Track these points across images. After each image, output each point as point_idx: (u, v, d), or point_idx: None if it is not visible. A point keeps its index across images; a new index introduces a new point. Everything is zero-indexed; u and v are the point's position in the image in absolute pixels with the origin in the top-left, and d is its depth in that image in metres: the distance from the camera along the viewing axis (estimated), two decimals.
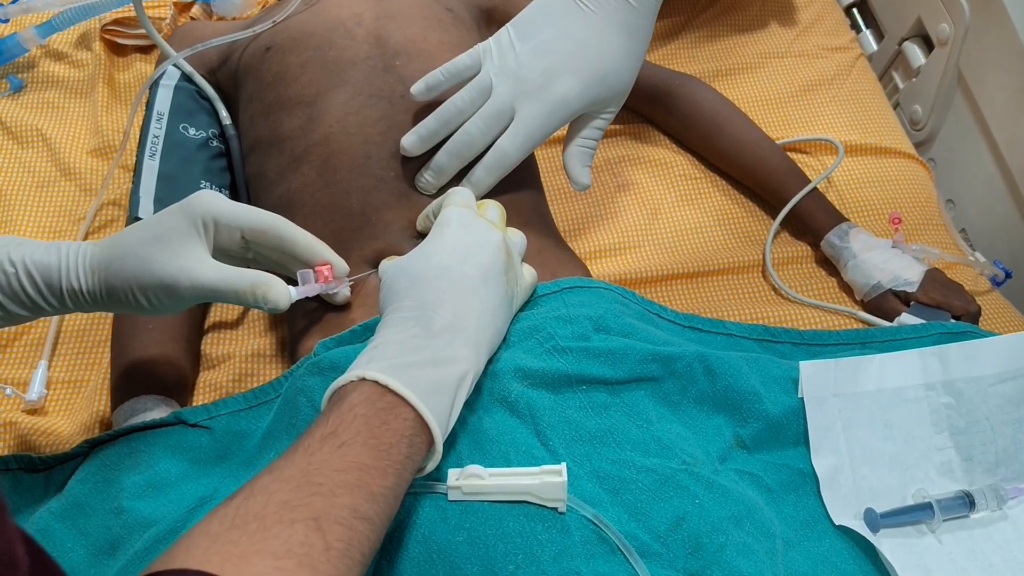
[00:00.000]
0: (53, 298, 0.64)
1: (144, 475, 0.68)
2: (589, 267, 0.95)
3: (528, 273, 0.71)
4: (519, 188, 0.83)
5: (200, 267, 0.63)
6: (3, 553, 0.33)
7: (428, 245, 0.66)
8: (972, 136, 1.20)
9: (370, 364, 0.55)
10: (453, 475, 0.58)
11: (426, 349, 0.57)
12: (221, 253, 0.67)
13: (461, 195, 0.71)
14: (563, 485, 0.57)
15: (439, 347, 0.58)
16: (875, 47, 1.40)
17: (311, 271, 0.70)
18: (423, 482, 0.58)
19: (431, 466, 0.56)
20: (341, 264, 0.73)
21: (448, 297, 0.61)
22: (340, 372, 0.66)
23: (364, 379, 0.54)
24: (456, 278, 0.62)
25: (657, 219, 1.06)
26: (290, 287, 0.66)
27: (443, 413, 0.55)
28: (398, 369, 0.55)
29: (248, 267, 0.66)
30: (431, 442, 0.55)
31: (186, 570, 0.42)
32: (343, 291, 0.76)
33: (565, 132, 1.02)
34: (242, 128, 0.93)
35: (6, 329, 0.93)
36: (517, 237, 0.72)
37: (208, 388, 0.89)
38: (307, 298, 0.70)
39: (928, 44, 1.28)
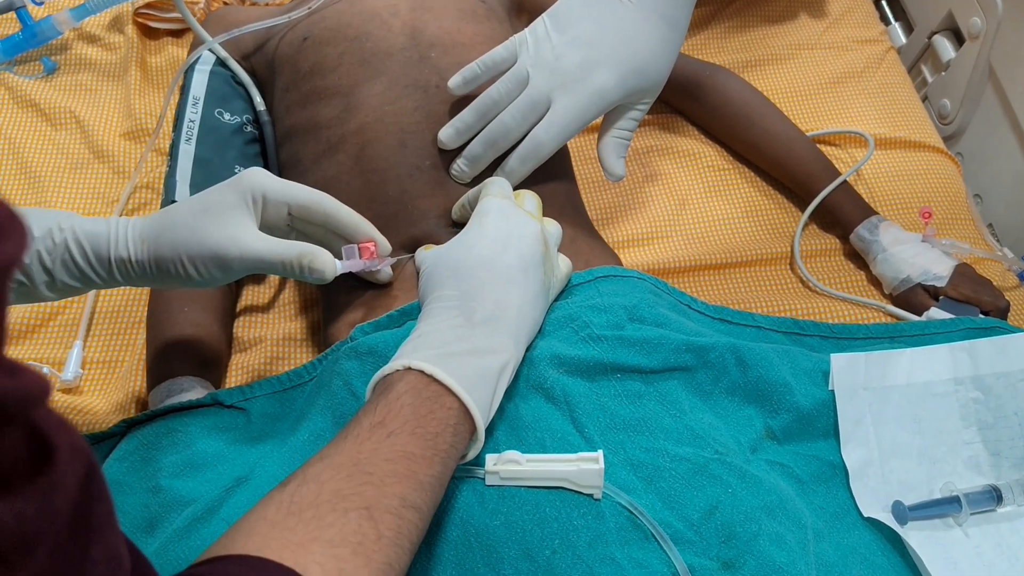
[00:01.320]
0: (102, 268, 0.65)
1: (182, 454, 0.69)
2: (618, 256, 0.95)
3: (563, 264, 0.72)
4: (552, 178, 0.83)
5: (248, 238, 0.64)
6: (113, 554, 0.34)
7: (468, 234, 0.67)
8: (1001, 131, 1.20)
9: (415, 353, 0.56)
10: (491, 460, 0.59)
11: (468, 339, 0.58)
12: (266, 229, 0.68)
13: (499, 185, 0.72)
14: (600, 472, 0.58)
15: (481, 337, 0.59)
16: (904, 40, 1.39)
17: (355, 246, 0.70)
18: (462, 467, 0.59)
19: (473, 453, 0.57)
20: (384, 243, 0.74)
21: (489, 287, 0.61)
22: (378, 357, 0.67)
23: (410, 368, 0.55)
24: (497, 268, 0.63)
25: (685, 210, 1.06)
26: (336, 261, 0.67)
27: (485, 402, 0.56)
28: (442, 359, 0.56)
29: None
30: (473, 430, 0.56)
31: (246, 556, 0.43)
32: (386, 270, 0.76)
33: (598, 122, 1.02)
34: (277, 116, 0.94)
35: (43, 307, 0.94)
36: (553, 227, 0.73)
37: (240, 371, 0.90)
38: (349, 274, 0.71)
39: (958, 38, 1.27)
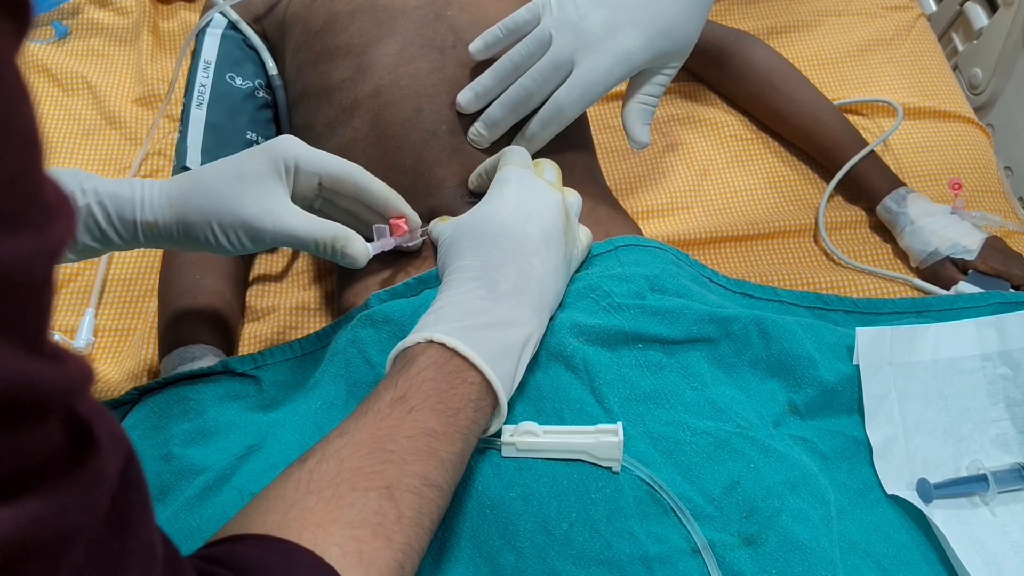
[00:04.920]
0: (125, 231, 0.64)
1: (193, 422, 0.68)
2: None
3: (584, 234, 0.70)
4: (571, 147, 0.81)
5: (284, 211, 0.63)
6: (148, 543, 0.33)
7: (488, 204, 0.65)
8: None
9: (437, 326, 0.55)
10: (507, 431, 0.58)
11: (491, 311, 0.56)
12: (294, 199, 0.67)
13: (518, 154, 0.70)
14: (619, 445, 0.56)
15: (504, 310, 0.57)
16: (934, 7, 1.35)
17: (386, 226, 0.69)
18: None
19: (494, 428, 0.56)
20: (414, 216, 0.72)
21: (511, 257, 0.60)
22: (394, 325, 0.66)
23: (432, 341, 0.54)
24: (519, 239, 0.61)
25: (706, 180, 1.04)
26: (367, 244, 0.66)
27: (508, 376, 0.55)
28: (465, 332, 0.54)
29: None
30: (495, 405, 0.55)
31: (265, 536, 0.42)
32: (416, 242, 0.75)
33: (613, 89, 0.99)
34: (288, 78, 0.92)
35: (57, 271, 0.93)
36: (573, 198, 0.71)
37: (253, 340, 0.89)
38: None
39: (991, 5, 1.23)
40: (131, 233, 0.64)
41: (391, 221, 0.70)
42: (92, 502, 0.29)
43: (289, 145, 0.65)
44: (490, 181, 0.69)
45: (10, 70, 0.24)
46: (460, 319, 0.55)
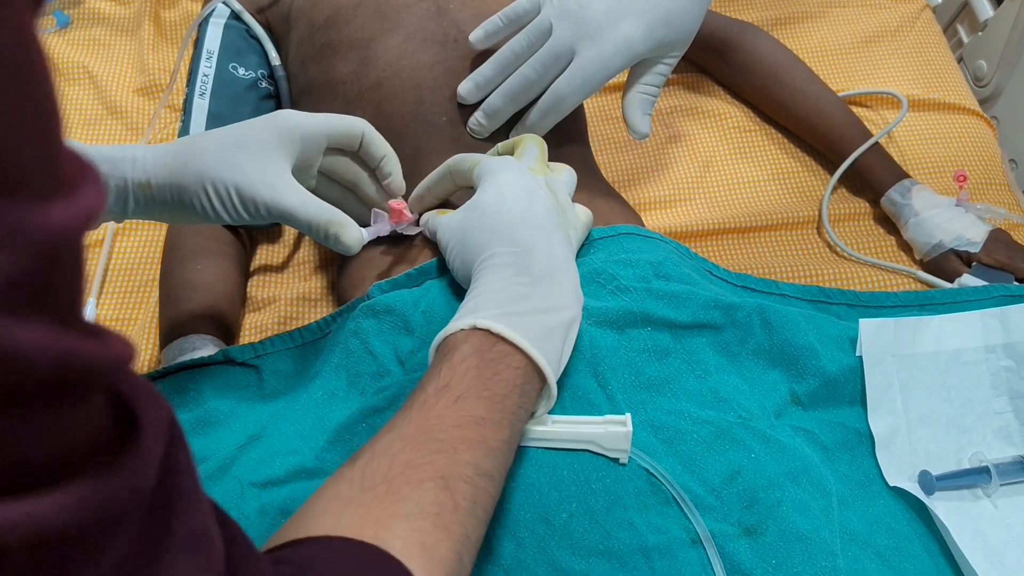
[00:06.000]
0: (115, 194, 0.62)
1: (194, 412, 0.68)
2: None
3: (583, 212, 0.69)
4: (567, 141, 0.81)
5: (284, 186, 0.62)
6: (199, 528, 0.32)
7: (485, 194, 0.63)
8: None
9: (477, 312, 0.53)
10: None
11: (531, 296, 0.55)
12: (295, 172, 0.66)
13: (494, 152, 0.70)
14: (628, 435, 0.56)
15: (545, 294, 0.55)
16: None
17: (384, 212, 0.69)
18: None
19: (542, 411, 0.56)
20: (400, 184, 0.72)
21: (538, 242, 0.58)
22: (395, 315, 0.66)
23: (475, 328, 0.52)
24: (537, 223, 0.60)
25: (709, 172, 1.03)
26: (362, 229, 0.65)
27: (554, 358, 0.54)
28: (507, 317, 0.53)
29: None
30: (541, 388, 0.54)
31: (327, 537, 0.41)
32: (415, 229, 0.74)
33: (615, 80, 0.98)
34: (292, 71, 0.92)
35: None
36: (564, 175, 0.69)
37: (253, 330, 0.89)
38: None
39: None
40: (122, 197, 0.62)
41: (390, 205, 0.69)
42: (136, 486, 0.27)
43: (292, 117, 0.65)
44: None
45: (30, 38, 0.23)
46: (500, 305, 0.54)
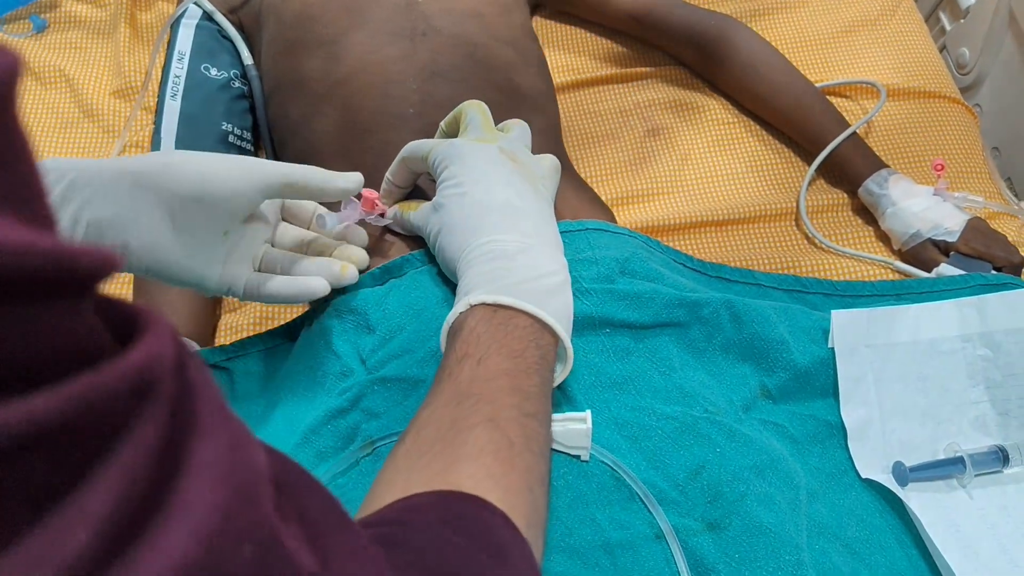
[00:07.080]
0: None
1: None
2: (616, 214, 0.92)
3: (546, 160, 0.68)
4: (535, 133, 0.80)
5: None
6: (250, 467, 0.28)
7: (445, 192, 0.62)
8: (1022, 82, 1.15)
9: (471, 294, 0.55)
10: None
11: (514, 269, 0.56)
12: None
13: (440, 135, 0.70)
14: (587, 432, 0.56)
15: (523, 267, 0.56)
16: None
17: (355, 200, 0.67)
18: None
19: (562, 376, 0.56)
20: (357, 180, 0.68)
21: (509, 223, 0.59)
22: (358, 315, 0.65)
23: (472, 306, 0.54)
24: (501, 207, 0.60)
25: (687, 165, 1.02)
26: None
27: (560, 314, 0.55)
28: (501, 290, 0.54)
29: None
30: (555, 343, 0.55)
31: (406, 497, 0.42)
32: (384, 221, 0.72)
33: (592, 74, 0.98)
34: (264, 69, 0.91)
35: None
36: (515, 131, 0.68)
37: (229, 331, 0.89)
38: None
39: None
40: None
41: (363, 193, 0.68)
42: (145, 389, 0.25)
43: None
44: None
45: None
46: (490, 283, 0.55)
